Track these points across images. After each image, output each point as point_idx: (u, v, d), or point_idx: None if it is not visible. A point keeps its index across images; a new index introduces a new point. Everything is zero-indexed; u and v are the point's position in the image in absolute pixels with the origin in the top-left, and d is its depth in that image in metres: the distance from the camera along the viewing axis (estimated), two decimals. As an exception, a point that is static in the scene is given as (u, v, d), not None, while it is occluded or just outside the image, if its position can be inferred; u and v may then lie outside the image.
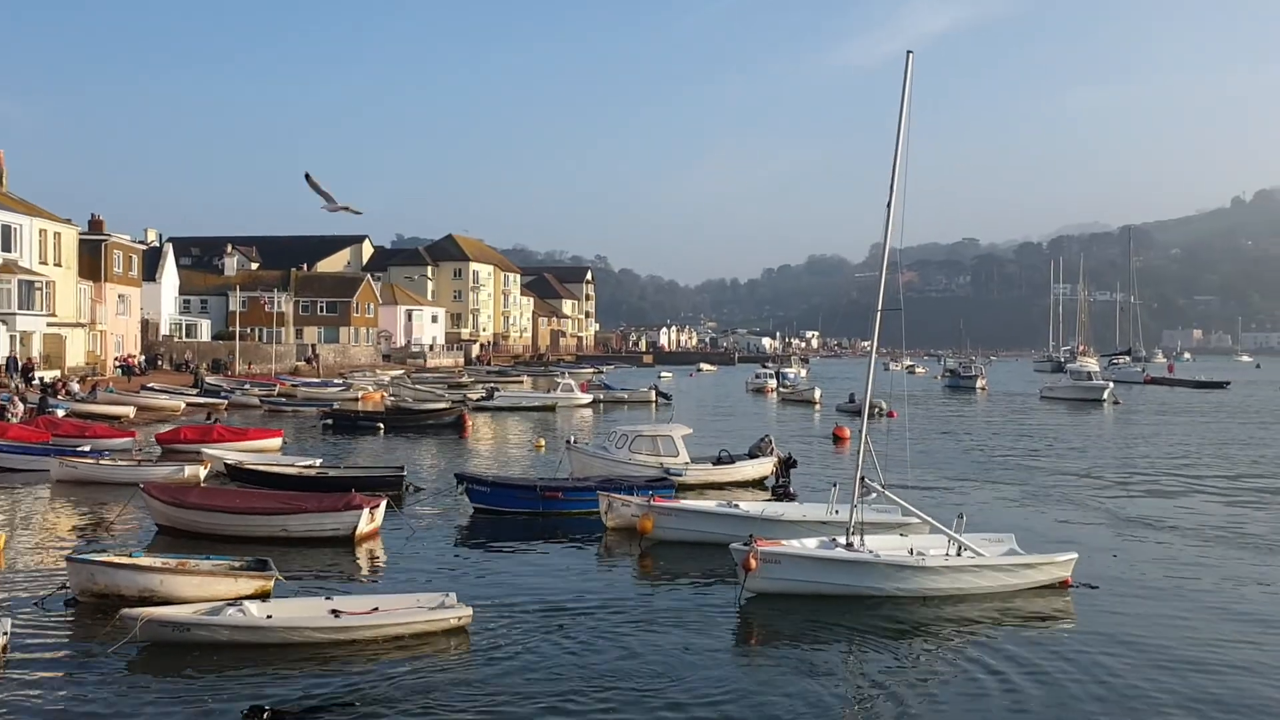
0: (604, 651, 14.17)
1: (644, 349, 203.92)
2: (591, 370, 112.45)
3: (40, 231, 60.65)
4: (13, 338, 56.43)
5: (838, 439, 44.09)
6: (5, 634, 13.37)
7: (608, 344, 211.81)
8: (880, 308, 19.02)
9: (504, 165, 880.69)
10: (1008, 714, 12.14)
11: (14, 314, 56.29)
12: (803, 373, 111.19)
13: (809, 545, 18.03)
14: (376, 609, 14.80)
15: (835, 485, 22.19)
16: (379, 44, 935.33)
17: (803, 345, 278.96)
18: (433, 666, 13.36)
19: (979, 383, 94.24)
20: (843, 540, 18.05)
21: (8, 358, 51.45)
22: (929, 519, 19.33)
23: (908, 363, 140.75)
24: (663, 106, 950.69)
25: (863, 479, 18.43)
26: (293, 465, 29.92)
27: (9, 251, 57.11)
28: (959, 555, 17.72)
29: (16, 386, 47.03)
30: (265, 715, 11.30)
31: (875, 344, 19.76)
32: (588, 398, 67.67)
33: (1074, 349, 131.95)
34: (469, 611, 14.85)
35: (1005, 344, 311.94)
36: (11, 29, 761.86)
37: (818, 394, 73.34)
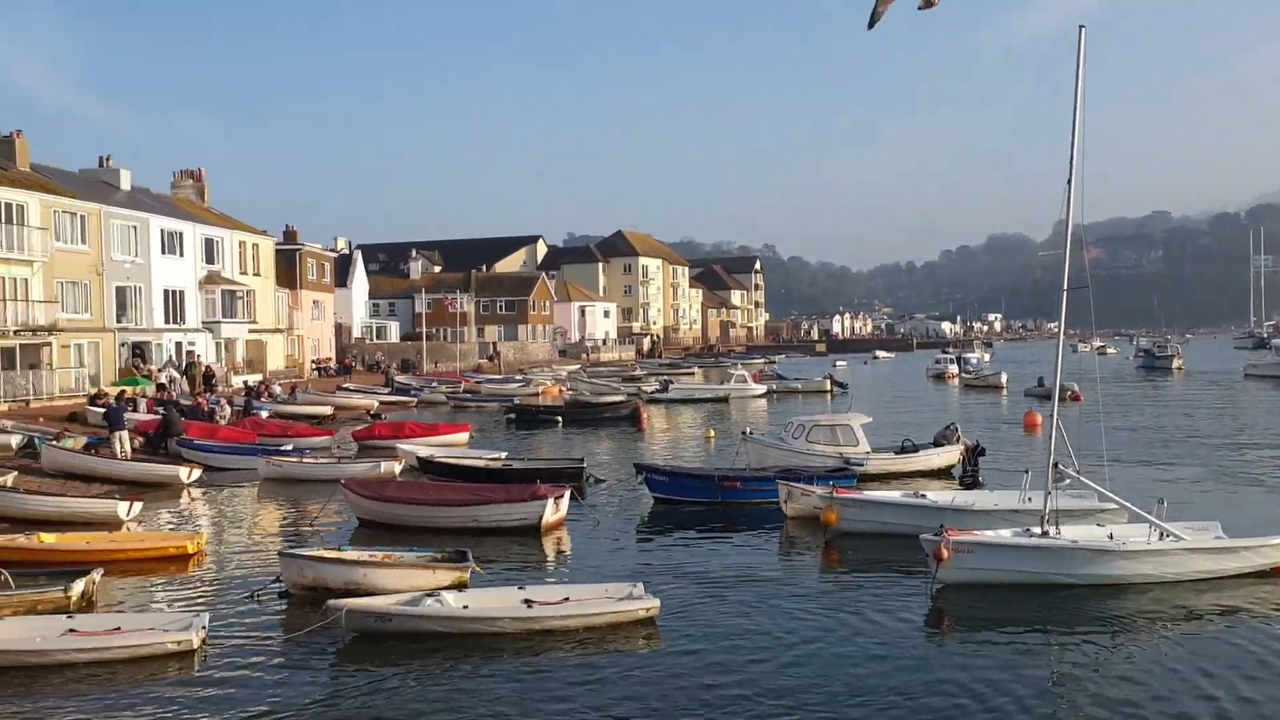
0: (792, 643, 14.09)
1: (816, 337, 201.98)
2: (763, 360, 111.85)
3: (240, 243, 64.34)
4: (218, 345, 60.11)
5: (1028, 425, 42.58)
6: (204, 629, 14.10)
7: (778, 333, 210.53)
8: (1065, 286, 18.24)
9: (670, 159, 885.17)
10: (1215, 709, 11.49)
11: (219, 322, 59.93)
12: (986, 357, 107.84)
13: (1003, 534, 17.51)
14: (567, 599, 15.14)
15: (1027, 472, 21.33)
16: (558, 47, 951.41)
17: (984, 329, 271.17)
18: (623, 657, 13.56)
19: (1175, 362, 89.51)
20: (1037, 529, 17.47)
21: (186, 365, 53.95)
22: (1128, 505, 18.40)
23: (1098, 344, 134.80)
24: (830, 89, 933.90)
25: (1056, 465, 17.74)
26: (480, 458, 30.88)
27: (212, 264, 60.78)
28: (1161, 541, 16.89)
29: (191, 389, 49.18)
30: None
31: (1063, 324, 19.02)
32: (761, 388, 67.38)
33: (1278, 324, 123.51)
34: (656, 602, 14.99)
35: (1202, 321, 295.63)
36: (209, 57, 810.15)
37: (1003, 379, 70.89)
